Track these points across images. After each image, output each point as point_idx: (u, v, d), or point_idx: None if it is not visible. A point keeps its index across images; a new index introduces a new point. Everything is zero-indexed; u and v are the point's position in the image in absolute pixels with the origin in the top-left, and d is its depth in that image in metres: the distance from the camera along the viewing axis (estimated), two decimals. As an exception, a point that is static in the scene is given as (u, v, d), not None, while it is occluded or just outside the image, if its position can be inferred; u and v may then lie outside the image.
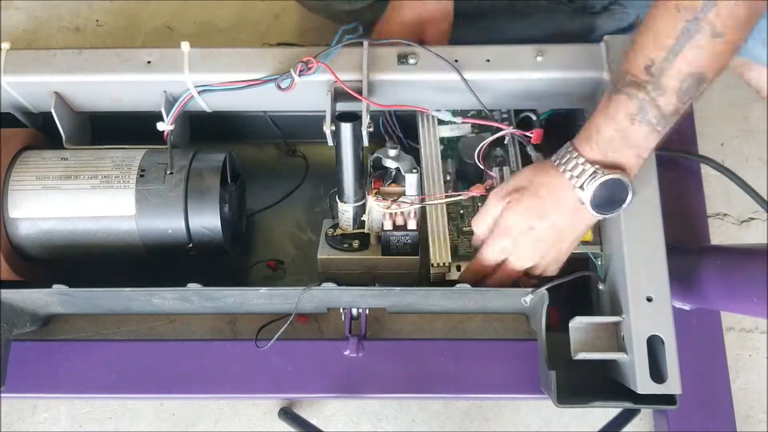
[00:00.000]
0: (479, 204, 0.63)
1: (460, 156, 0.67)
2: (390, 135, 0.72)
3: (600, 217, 0.55)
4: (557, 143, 0.71)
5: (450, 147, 0.68)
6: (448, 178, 0.66)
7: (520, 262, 0.58)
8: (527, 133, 0.63)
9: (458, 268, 0.64)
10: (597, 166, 0.52)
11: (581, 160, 0.53)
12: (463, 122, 0.65)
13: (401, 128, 0.72)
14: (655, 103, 0.50)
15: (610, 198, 0.54)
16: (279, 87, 0.60)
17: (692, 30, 0.47)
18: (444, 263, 0.62)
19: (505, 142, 0.68)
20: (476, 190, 0.62)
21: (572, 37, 0.73)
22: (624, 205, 0.54)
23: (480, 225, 0.59)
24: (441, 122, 0.68)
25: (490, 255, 0.58)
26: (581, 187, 0.53)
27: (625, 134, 0.51)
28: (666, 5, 0.49)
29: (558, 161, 0.55)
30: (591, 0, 0.73)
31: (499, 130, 0.64)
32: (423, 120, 0.69)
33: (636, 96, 0.50)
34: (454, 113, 0.67)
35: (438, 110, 0.65)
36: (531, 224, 0.56)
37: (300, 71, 0.59)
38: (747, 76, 0.69)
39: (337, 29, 0.62)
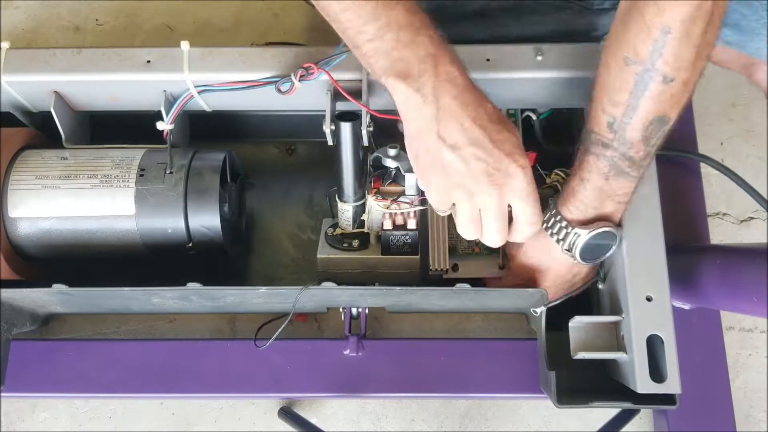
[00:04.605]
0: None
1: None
2: None
3: (593, 264, 0.58)
4: (557, 143, 0.72)
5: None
6: None
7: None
8: None
9: (455, 267, 0.63)
10: (578, 228, 0.55)
11: (564, 223, 0.55)
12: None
13: None
14: (626, 156, 0.51)
15: (597, 247, 0.56)
16: (279, 90, 0.60)
17: (645, 80, 0.47)
18: (442, 269, 0.62)
19: None
20: None
21: (580, 35, 0.73)
22: (609, 252, 0.57)
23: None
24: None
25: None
26: (569, 249, 0.56)
27: (602, 190, 0.53)
28: (615, 57, 0.49)
29: (546, 225, 0.57)
30: None
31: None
32: None
33: (604, 155, 0.51)
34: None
35: None
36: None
37: (300, 77, 0.59)
38: (756, 77, 0.69)
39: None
